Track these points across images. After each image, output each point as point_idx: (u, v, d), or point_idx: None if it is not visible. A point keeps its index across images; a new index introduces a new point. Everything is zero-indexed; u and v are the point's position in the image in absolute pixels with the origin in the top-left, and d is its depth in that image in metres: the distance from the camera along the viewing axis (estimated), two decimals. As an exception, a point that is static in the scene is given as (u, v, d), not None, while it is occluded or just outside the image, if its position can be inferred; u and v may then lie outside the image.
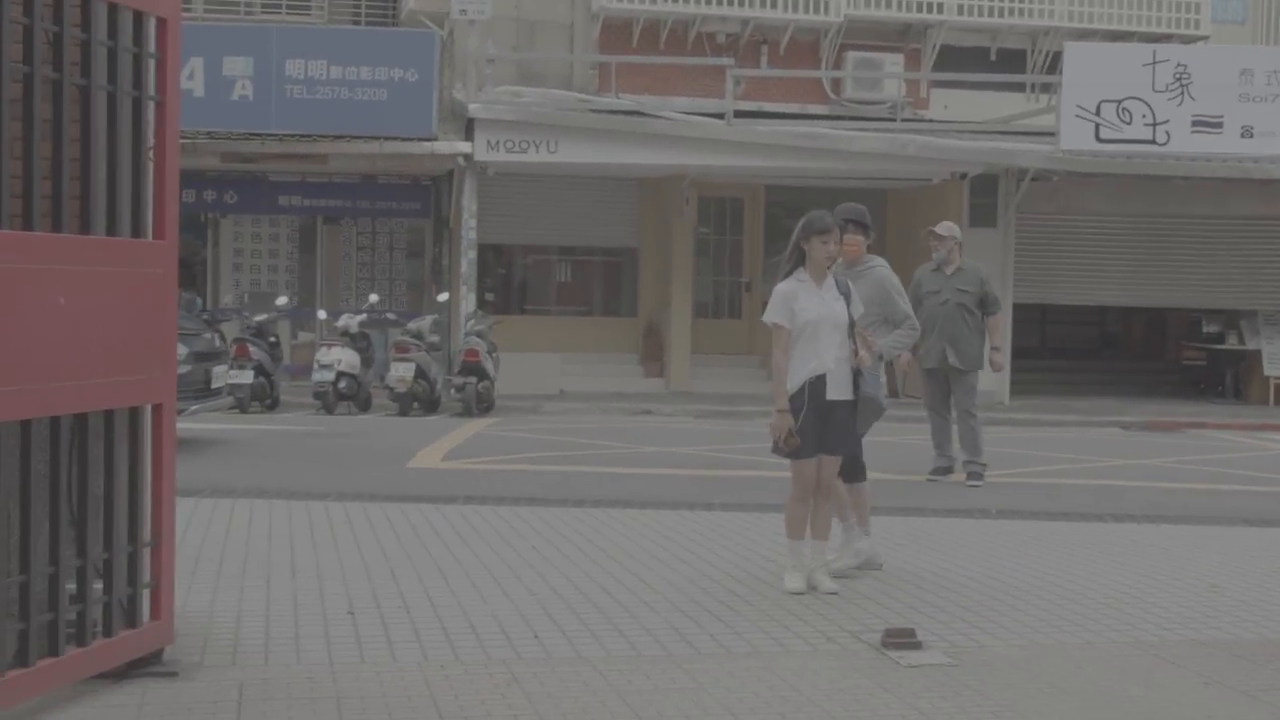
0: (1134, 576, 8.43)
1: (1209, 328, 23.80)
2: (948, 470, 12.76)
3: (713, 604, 7.44)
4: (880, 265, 8.85)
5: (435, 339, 19.76)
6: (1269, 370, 22.78)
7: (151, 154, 5.74)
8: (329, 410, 18.82)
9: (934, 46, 23.20)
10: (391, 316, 21.99)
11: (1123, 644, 6.79)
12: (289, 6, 23.77)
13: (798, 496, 7.76)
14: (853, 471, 8.28)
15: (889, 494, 11.66)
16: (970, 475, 12.52)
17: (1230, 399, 23.24)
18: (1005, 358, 13.17)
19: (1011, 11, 23.20)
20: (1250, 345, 23.03)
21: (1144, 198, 21.91)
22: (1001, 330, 12.98)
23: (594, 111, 21.16)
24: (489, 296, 23.02)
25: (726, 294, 24.56)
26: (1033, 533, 10.01)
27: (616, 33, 22.67)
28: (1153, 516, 10.94)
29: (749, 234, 24.35)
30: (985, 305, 12.66)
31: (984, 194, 21.68)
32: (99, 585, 5.56)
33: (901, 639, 6.58)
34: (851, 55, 22.81)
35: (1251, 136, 20.22)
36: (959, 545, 9.39)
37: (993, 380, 19.11)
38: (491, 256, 23.36)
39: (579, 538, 9.32)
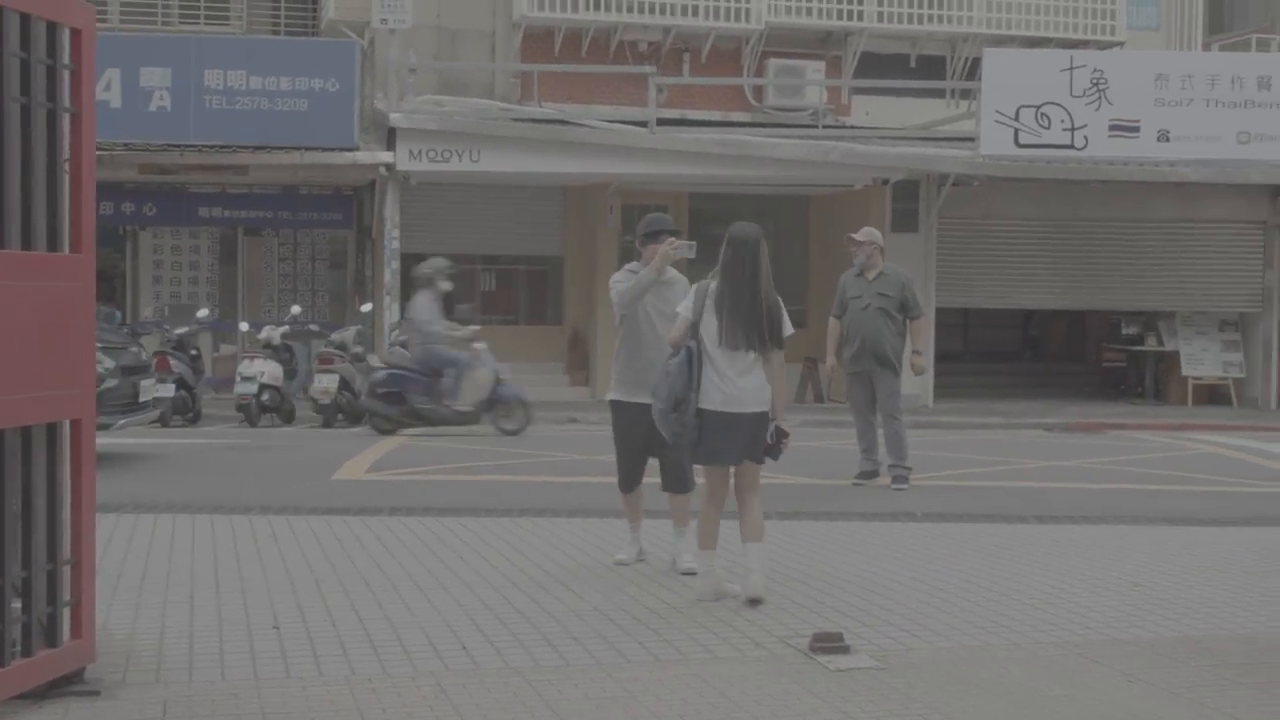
0: (1058, 577, 8.50)
1: (1128, 330, 24.09)
2: (873, 474, 12.83)
3: (641, 612, 7.43)
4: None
5: (359, 350, 19.63)
6: (1187, 371, 23.09)
7: (67, 166, 5.67)
8: (252, 423, 18.66)
9: (855, 53, 23.34)
10: (315, 328, 21.84)
11: (1048, 644, 6.85)
12: (207, 15, 23.58)
13: (705, 504, 7.76)
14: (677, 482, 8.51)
15: (815, 498, 11.73)
16: (895, 479, 12.58)
17: (1150, 400, 23.53)
18: (929, 361, 13.23)
19: (931, 19, 23.38)
20: (1169, 346, 23.33)
21: (1063, 201, 22.16)
22: (924, 334, 13.07)
23: (517, 120, 21.13)
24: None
25: (651, 301, 24.52)
26: (958, 535, 10.07)
27: (538, 41, 22.65)
28: (1076, 517, 11.04)
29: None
30: (907, 309, 12.75)
31: (906, 199, 21.84)
32: (18, 604, 5.47)
33: (829, 643, 6.60)
34: (773, 62, 22.90)
35: (1168, 140, 20.50)
36: (885, 549, 9.43)
37: (916, 384, 19.27)
38: (415, 266, 23.20)
39: (506, 548, 9.28)
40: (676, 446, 7.75)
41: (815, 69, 23.09)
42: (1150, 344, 23.63)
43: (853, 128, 22.82)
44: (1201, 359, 23.17)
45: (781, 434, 7.65)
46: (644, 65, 22.01)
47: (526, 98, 22.41)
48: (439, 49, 22.70)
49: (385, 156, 20.39)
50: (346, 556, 8.91)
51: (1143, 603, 7.83)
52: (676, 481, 8.62)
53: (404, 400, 17.46)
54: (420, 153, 20.29)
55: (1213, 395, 23.14)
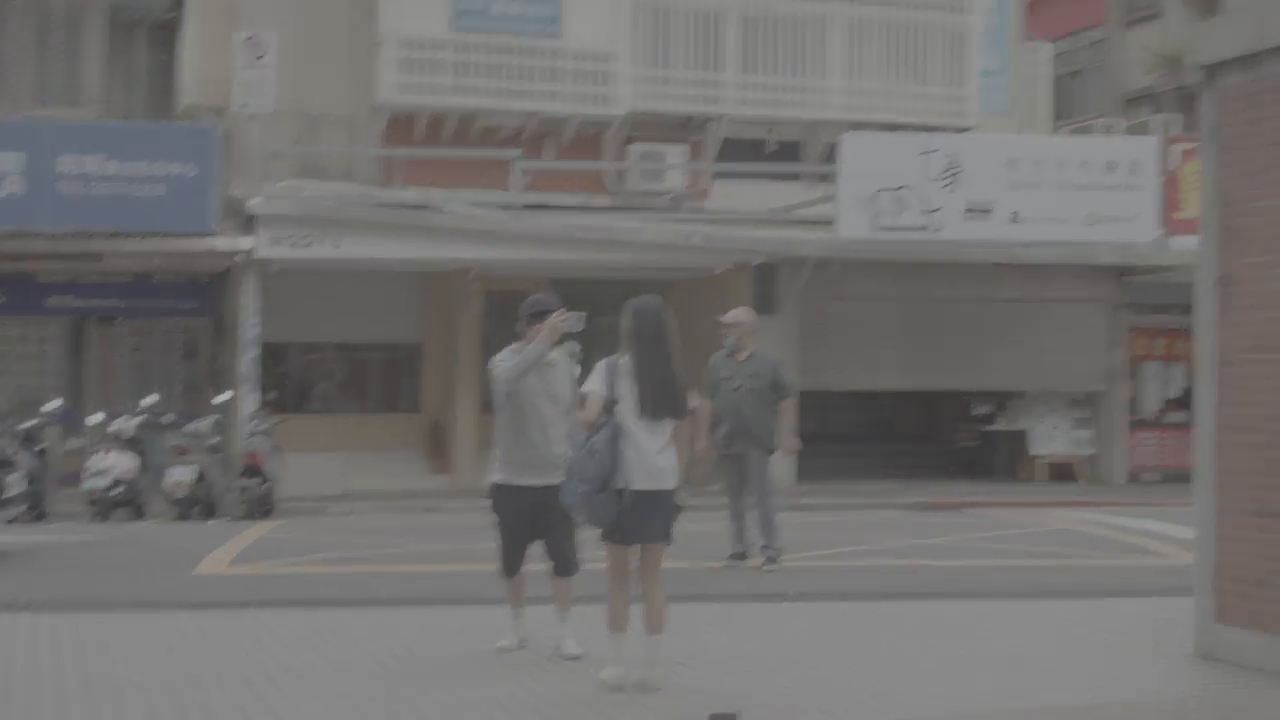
0: (939, 652, 8.56)
1: (980, 409, 24.49)
2: (743, 555, 12.82)
3: (535, 701, 7.32)
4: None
5: (216, 440, 19.23)
6: (1036, 449, 23.53)
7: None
8: (103, 518, 18.13)
9: (715, 139, 23.59)
10: (169, 418, 21.32)
11: (940, 718, 6.85)
12: (62, 99, 23.13)
13: (613, 585, 7.64)
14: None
15: (688, 581, 11.61)
16: (767, 560, 12.58)
17: (1003, 478, 23.91)
18: (796, 442, 13.31)
19: (789, 104, 23.71)
20: (1021, 425, 23.77)
21: (919, 283, 22.53)
22: (794, 414, 13.13)
23: (379, 206, 20.99)
24: (270, 396, 22.45)
25: (514, 387, 24.41)
26: (834, 615, 10.11)
27: (401, 126, 22.53)
28: (947, 594, 11.13)
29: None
30: (778, 390, 12.82)
31: (766, 282, 22.02)
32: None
33: (725, 725, 6.54)
34: (635, 147, 23.03)
35: (1019, 222, 20.99)
36: (764, 630, 9.43)
37: (778, 465, 19.34)
38: (273, 355, 22.89)
39: (385, 639, 9.10)
40: (594, 526, 7.62)
41: (677, 153, 23.25)
42: (1002, 423, 24.04)
43: (712, 211, 23.00)
44: (1052, 436, 23.63)
45: (678, 509, 7.64)
46: (506, 150, 22.03)
47: (389, 182, 22.28)
48: (299, 133, 22.47)
49: (244, 243, 20.08)
50: (219, 653, 8.65)
51: (1025, 675, 7.90)
52: (561, 566, 8.57)
53: None
54: (281, 239, 20.02)
55: (1064, 473, 23.57)
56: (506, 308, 23.89)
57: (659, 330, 7.65)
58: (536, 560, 8.72)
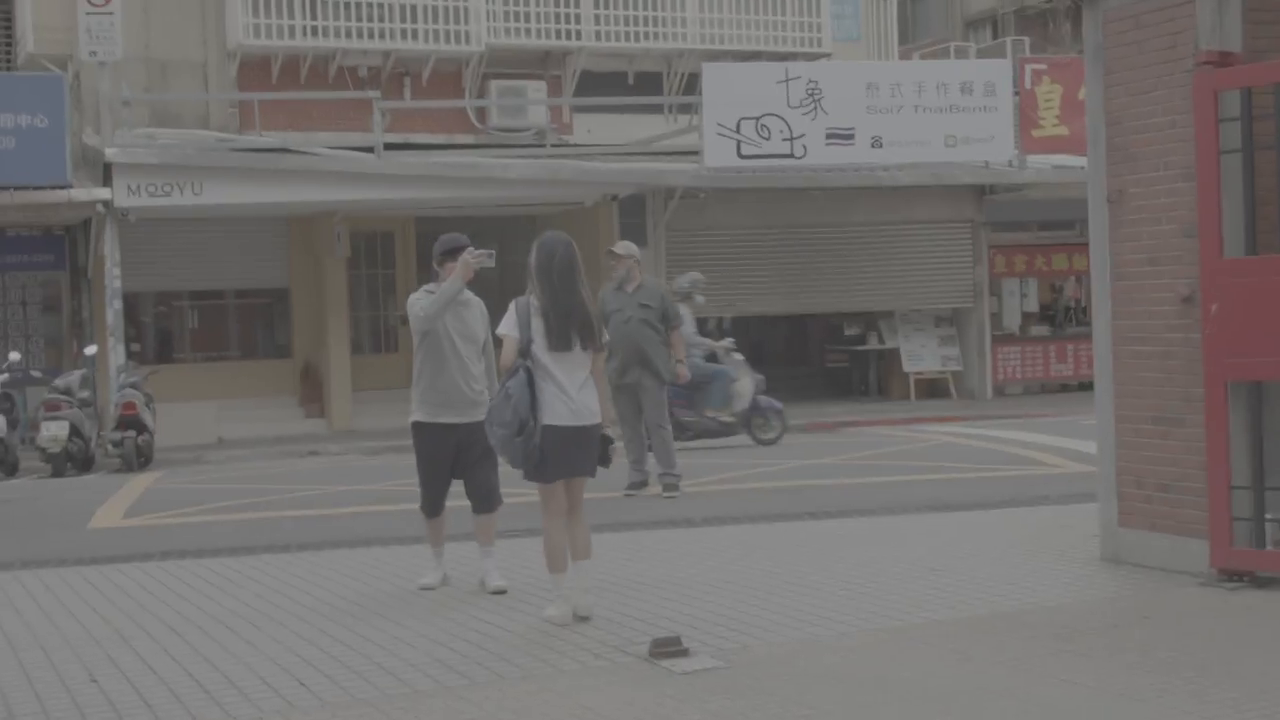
0: (856, 567, 8.76)
1: (850, 330, 24.92)
2: (643, 484, 12.95)
3: (467, 633, 7.37)
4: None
5: (86, 394, 18.88)
6: (908, 367, 24.02)
7: None
8: (-27, 478, 17.74)
9: (574, 72, 23.54)
10: (37, 374, 20.84)
11: (874, 630, 7.07)
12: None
13: (549, 524, 7.69)
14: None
15: (593, 512, 11.71)
16: (666, 487, 12.73)
17: (875, 397, 24.39)
18: (686, 370, 13.43)
19: (646, 35, 23.75)
20: (890, 345, 24.25)
21: (784, 210, 22.80)
22: (683, 342, 13.27)
23: (238, 151, 20.64)
24: (134, 347, 22.04)
25: (383, 329, 24.32)
26: (744, 537, 10.27)
27: (255, 70, 22.14)
28: (849, 511, 11.37)
29: (401, 267, 24.19)
30: (667, 319, 12.94)
31: (633, 213, 22.15)
32: None
33: (669, 648, 6.67)
34: (495, 84, 22.92)
35: (881, 146, 21.32)
36: (681, 554, 9.56)
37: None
38: (137, 305, 22.47)
39: (302, 583, 9.07)
40: (517, 467, 7.64)
41: (536, 89, 23.19)
42: (872, 343, 24.50)
43: (576, 145, 23.00)
44: (920, 355, 24.16)
45: (609, 441, 7.70)
46: (365, 90, 21.75)
47: (246, 127, 21.89)
48: (149, 81, 21.97)
49: (102, 193, 19.62)
50: (138, 604, 8.56)
51: (944, 585, 8.13)
52: (485, 501, 8.66)
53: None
54: (139, 188, 19.63)
55: (933, 389, 24.12)
56: (374, 248, 23.85)
57: (567, 261, 7.64)
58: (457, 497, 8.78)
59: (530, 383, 7.42)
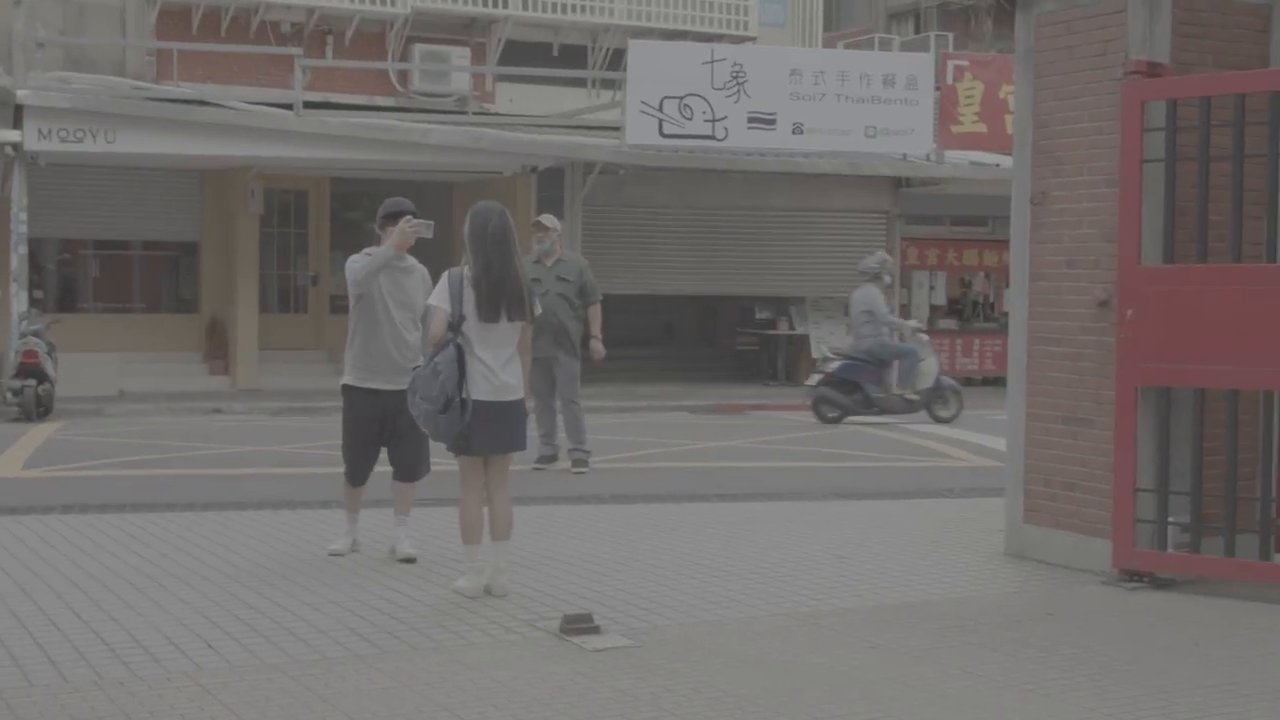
0: (765, 552, 8.82)
1: (761, 314, 25.03)
2: (553, 458, 12.98)
3: (378, 602, 7.34)
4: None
5: (-13, 341, 18.55)
6: (816, 353, 24.11)
7: None
8: None
9: (499, 41, 23.45)
10: (-65, 318, 20.43)
11: (784, 616, 7.13)
12: None
13: (466, 496, 7.67)
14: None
15: (503, 484, 11.76)
16: (576, 462, 12.77)
17: (782, 381, 24.51)
18: (602, 346, 13.42)
19: (573, 8, 23.72)
20: (799, 330, 24.38)
21: (704, 191, 22.83)
22: (599, 318, 13.27)
23: (154, 100, 20.31)
24: (38, 294, 21.69)
25: (293, 289, 24.08)
26: (652, 515, 10.31)
27: (175, 19, 21.85)
28: (756, 495, 11.46)
29: (314, 227, 23.96)
30: (585, 294, 12.95)
31: (552, 187, 22.07)
32: None
33: (580, 625, 6.70)
34: (418, 48, 22.77)
35: (802, 133, 21.41)
36: (592, 531, 9.58)
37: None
38: (42, 252, 22.09)
39: (208, 543, 8.98)
40: (439, 440, 7.60)
41: (460, 55, 23.07)
42: (782, 328, 24.62)
43: (497, 115, 22.92)
44: (829, 342, 24.25)
45: (527, 414, 7.71)
46: (287, 46, 21.51)
47: (163, 77, 21.58)
48: (65, 24, 21.62)
49: (11, 135, 19.23)
50: (39, 558, 8.44)
51: (851, 573, 8.22)
52: (409, 470, 8.68)
53: (859, 389, 17.57)
54: (50, 132, 19.26)
55: (840, 376, 24.26)
56: (287, 206, 23.59)
57: (502, 232, 7.58)
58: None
59: (459, 359, 7.38)
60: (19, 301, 19.38)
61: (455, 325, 7.43)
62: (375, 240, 8.56)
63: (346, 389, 8.58)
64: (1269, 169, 7.55)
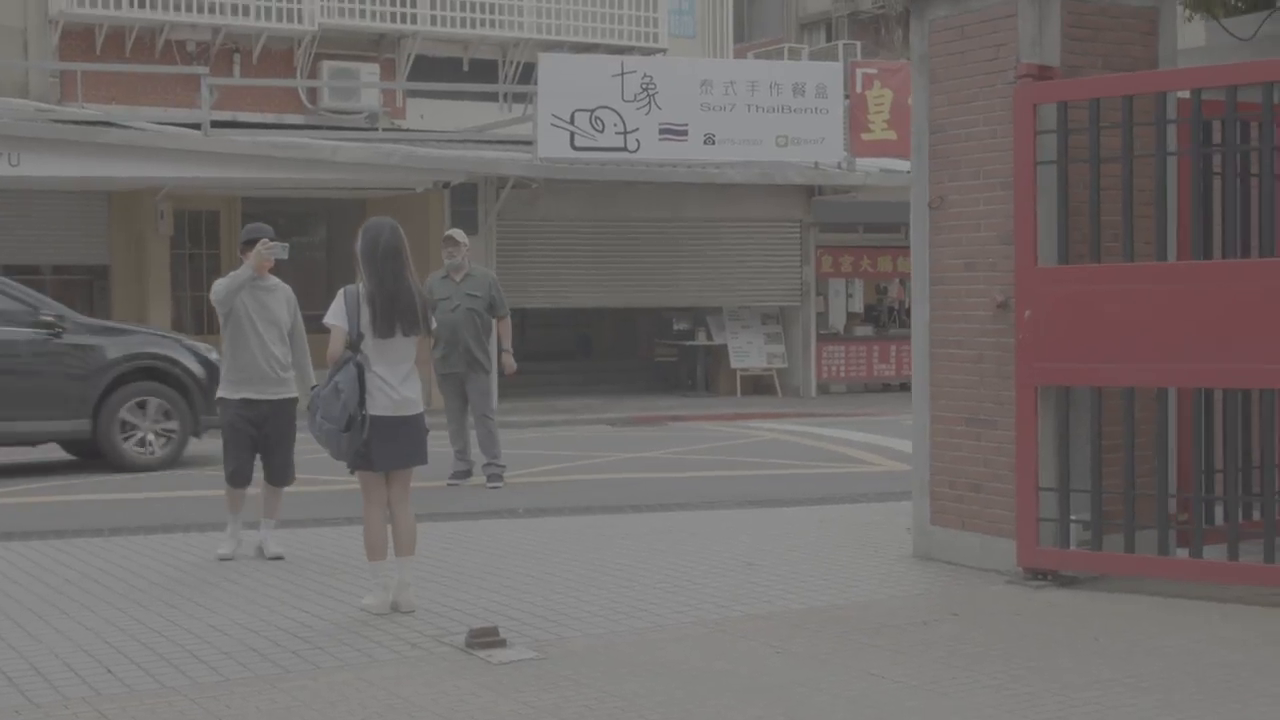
0: (674, 561, 8.84)
1: (679, 325, 25.10)
2: (467, 474, 12.93)
3: (284, 622, 7.29)
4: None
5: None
6: (735, 363, 24.26)
7: None
8: None
9: (408, 56, 23.39)
10: None
11: (691, 624, 7.15)
12: None
13: (369, 513, 7.62)
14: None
15: (418, 501, 11.62)
16: (490, 477, 12.73)
17: (702, 392, 24.59)
18: (512, 361, 13.37)
19: (482, 23, 23.70)
20: (717, 340, 24.47)
21: (617, 203, 22.86)
22: (510, 332, 13.24)
23: (58, 122, 20.07)
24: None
25: (205, 310, 23.82)
26: (566, 528, 10.30)
27: (78, 39, 21.61)
28: (670, 505, 11.48)
29: (226, 247, 23.73)
30: (495, 309, 12.92)
31: (465, 202, 22.00)
32: None
33: (486, 638, 6.68)
34: (327, 65, 22.68)
35: (713, 143, 21.49)
36: (502, 545, 9.55)
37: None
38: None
39: (114, 568, 8.88)
40: (340, 459, 7.56)
41: (370, 72, 22.99)
42: (700, 339, 24.70)
43: (409, 131, 22.85)
44: (747, 351, 24.40)
45: (423, 431, 7.68)
46: (193, 66, 21.34)
47: (67, 98, 21.34)
48: (-35, 46, 21.33)
49: (-88, 159, 18.96)
50: (-65, 587, 8.31)
51: (760, 580, 8.25)
52: (280, 475, 9.34)
53: None
54: (-47, 156, 18.99)
55: (759, 386, 24.40)
56: (198, 227, 23.38)
57: (393, 246, 7.56)
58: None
59: (360, 376, 7.35)
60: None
61: (354, 343, 7.40)
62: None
63: (221, 401, 9.29)
64: (1156, 169, 7.66)
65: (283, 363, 9.19)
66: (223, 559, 9.07)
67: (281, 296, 9.31)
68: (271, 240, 9.14)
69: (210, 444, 16.99)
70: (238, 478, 9.23)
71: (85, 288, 23.24)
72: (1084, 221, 7.87)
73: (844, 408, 21.78)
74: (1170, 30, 8.57)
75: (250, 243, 9.17)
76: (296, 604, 7.74)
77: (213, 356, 14.28)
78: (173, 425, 14.56)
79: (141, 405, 14.45)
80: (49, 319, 14.25)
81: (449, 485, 12.72)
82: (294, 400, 9.26)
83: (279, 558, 9.02)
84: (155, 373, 14.58)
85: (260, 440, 9.20)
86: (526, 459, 14.70)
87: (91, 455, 14.70)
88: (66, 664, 6.46)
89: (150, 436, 14.46)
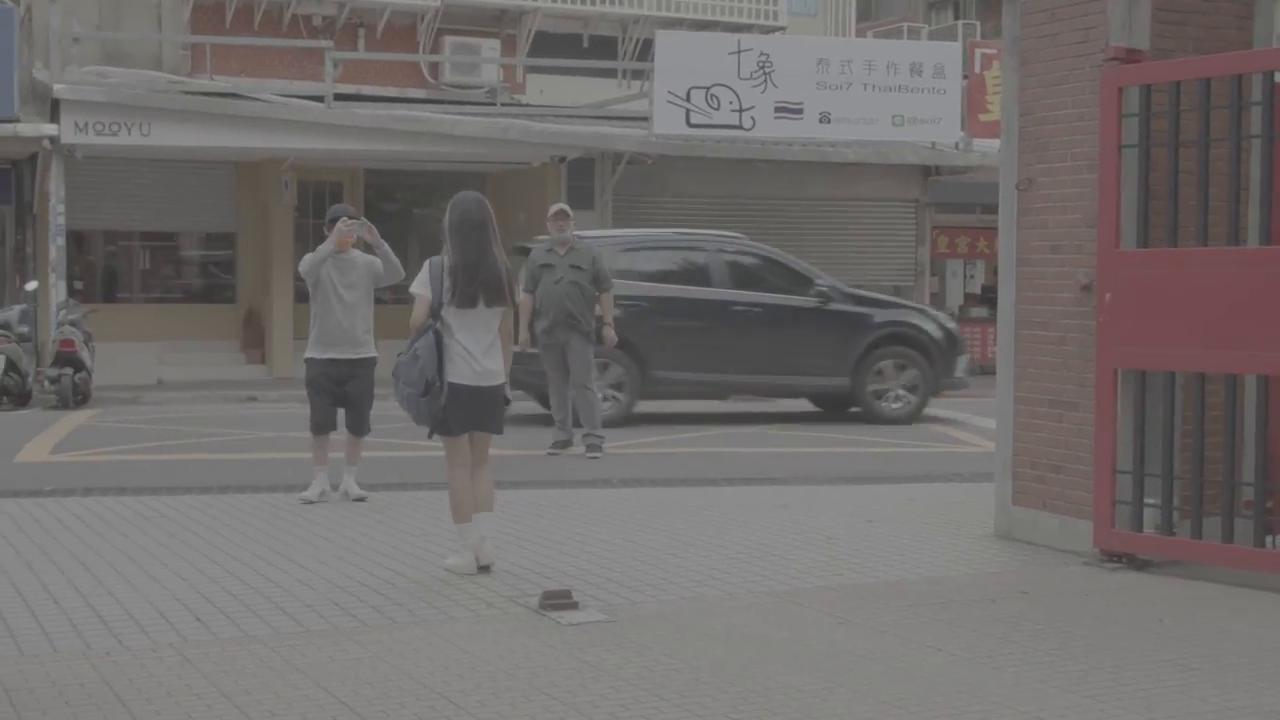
0: (757, 533, 8.99)
1: (792, 303, 25.13)
2: (567, 443, 13.18)
3: (368, 579, 7.56)
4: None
5: (25, 330, 18.91)
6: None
7: None
8: (-90, 408, 17.80)
9: (529, 32, 23.67)
10: (-24, 308, 20.86)
11: (762, 594, 7.30)
12: None
13: (454, 475, 7.87)
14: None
15: (515, 469, 11.95)
16: (589, 447, 12.95)
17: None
18: (614, 334, 13.58)
19: (603, 0, 23.90)
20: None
21: (732, 180, 22.96)
22: (611, 306, 13.44)
23: (188, 94, 20.66)
24: (77, 285, 22.10)
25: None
26: (657, 499, 10.48)
27: (209, 13, 22.19)
28: (761, 479, 11.62)
29: (348, 217, 24.23)
30: (598, 282, 13.14)
31: (581, 177, 22.26)
32: None
33: (559, 600, 6.89)
34: (449, 40, 23.02)
35: (829, 122, 21.52)
36: (593, 513, 9.76)
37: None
38: (82, 243, 22.49)
39: (216, 523, 9.24)
40: (421, 424, 7.83)
41: (490, 47, 23.30)
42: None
43: (528, 106, 23.14)
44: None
45: (505, 401, 7.90)
46: (318, 40, 21.81)
47: (198, 71, 21.93)
48: (101, 19, 21.98)
49: (49, 129, 19.62)
50: (51, 537, 8.72)
51: (838, 553, 8.38)
52: (358, 425, 10.42)
53: None
54: (87, 125, 19.64)
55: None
56: (320, 197, 23.88)
57: (480, 218, 7.78)
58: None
59: (438, 344, 7.59)
60: (57, 292, 19.79)
61: (435, 311, 7.64)
62: (316, 233, 10.15)
63: (308, 360, 10.37)
64: (1230, 153, 7.62)
65: (363, 327, 10.24)
66: (305, 501, 10.10)
67: (362, 266, 10.30)
68: (351, 219, 10.21)
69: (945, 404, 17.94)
70: (322, 427, 10.33)
71: (213, 255, 23.90)
72: (1163, 206, 7.86)
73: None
74: (1266, 14, 8.50)
75: (333, 221, 10.23)
76: (383, 561, 8.02)
77: (951, 325, 16.85)
78: (916, 383, 16.46)
79: (894, 366, 16.47)
80: (822, 289, 16.46)
81: (549, 454, 12.98)
82: (373, 359, 10.33)
83: (362, 499, 10.12)
84: (902, 338, 16.57)
85: (341, 395, 10.28)
86: (624, 431, 14.91)
87: (839, 408, 16.87)
88: (160, 612, 6.78)
89: (899, 392, 16.45)
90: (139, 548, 8.37)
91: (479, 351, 7.68)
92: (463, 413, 7.67)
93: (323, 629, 6.51)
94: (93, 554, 8.18)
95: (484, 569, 7.70)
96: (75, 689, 5.52)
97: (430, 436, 7.90)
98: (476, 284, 7.63)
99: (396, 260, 10.36)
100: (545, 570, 7.79)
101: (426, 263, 7.80)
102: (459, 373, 7.62)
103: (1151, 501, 7.93)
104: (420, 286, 7.72)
